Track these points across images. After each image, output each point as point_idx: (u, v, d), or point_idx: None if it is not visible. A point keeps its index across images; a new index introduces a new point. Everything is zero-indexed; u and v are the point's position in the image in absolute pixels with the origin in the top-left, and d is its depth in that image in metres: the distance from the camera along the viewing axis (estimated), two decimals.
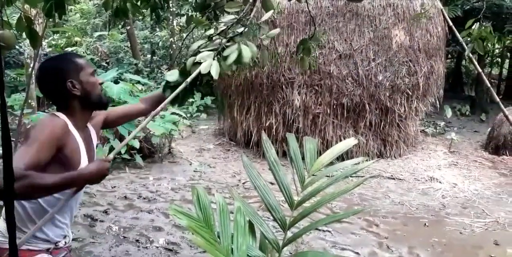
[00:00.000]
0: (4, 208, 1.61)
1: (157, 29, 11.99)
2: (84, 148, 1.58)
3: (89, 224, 3.72)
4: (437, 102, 6.54)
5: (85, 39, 10.87)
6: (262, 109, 6.11)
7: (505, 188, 5.14)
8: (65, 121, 1.52)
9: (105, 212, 4.00)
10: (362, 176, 4.96)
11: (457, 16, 8.18)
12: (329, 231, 3.73)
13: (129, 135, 5.23)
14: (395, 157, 6.23)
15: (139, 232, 3.59)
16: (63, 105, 1.58)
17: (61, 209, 1.52)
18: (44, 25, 4.98)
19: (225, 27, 1.72)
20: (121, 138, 5.13)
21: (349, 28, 5.78)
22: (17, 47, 8.75)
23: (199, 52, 1.69)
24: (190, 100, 8.67)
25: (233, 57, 1.64)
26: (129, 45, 10.87)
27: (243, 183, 5.03)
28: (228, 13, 1.88)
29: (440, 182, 5.28)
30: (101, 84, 1.66)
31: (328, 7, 5.79)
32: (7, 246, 1.51)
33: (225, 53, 1.65)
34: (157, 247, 3.34)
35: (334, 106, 5.85)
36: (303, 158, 1.78)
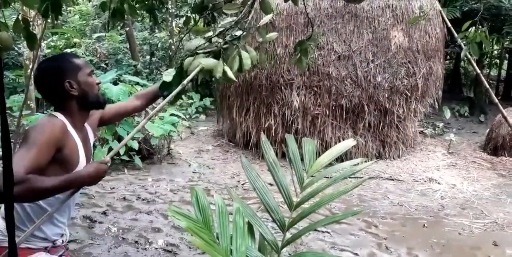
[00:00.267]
0: (2, 208, 1.62)
1: (156, 31, 11.99)
2: (82, 147, 1.59)
3: (88, 225, 3.71)
4: (436, 103, 6.55)
5: (84, 40, 10.87)
6: (261, 110, 6.12)
7: (504, 189, 5.15)
8: (64, 122, 1.53)
9: (104, 213, 3.99)
10: (361, 177, 4.97)
11: (455, 17, 8.21)
12: (328, 232, 3.73)
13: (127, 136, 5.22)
14: (394, 158, 6.23)
15: (138, 233, 3.59)
16: (61, 105, 1.59)
17: (60, 209, 1.54)
18: (43, 26, 4.98)
19: (223, 29, 1.72)
20: (119, 139, 5.12)
21: (348, 29, 5.79)
22: (16, 48, 8.74)
23: (197, 53, 1.69)
24: (189, 101, 8.68)
25: (235, 66, 1.65)
26: (128, 47, 10.87)
27: (242, 184, 5.03)
28: (227, 15, 1.88)
29: (439, 183, 5.29)
30: (98, 84, 1.66)
31: (327, 8, 5.80)
32: (5, 244, 1.53)
33: (227, 62, 1.66)
34: (156, 248, 3.34)
35: (333, 107, 5.85)
36: (302, 159, 1.78)
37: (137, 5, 2.73)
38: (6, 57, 8.92)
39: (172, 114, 5.87)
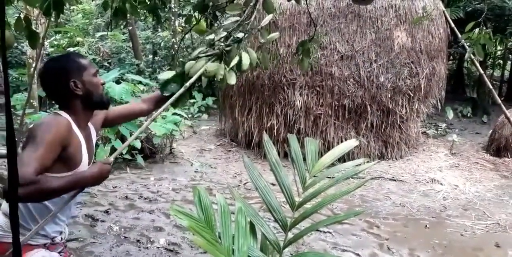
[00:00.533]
0: (4, 204, 1.63)
1: (159, 30, 12.01)
2: (85, 146, 1.61)
3: (90, 224, 3.72)
4: (439, 103, 6.53)
5: (87, 39, 10.90)
6: (263, 110, 6.11)
7: (507, 190, 5.13)
8: (68, 120, 1.55)
9: (106, 212, 4.00)
10: (363, 178, 4.96)
11: (459, 17, 8.18)
12: (330, 232, 3.72)
13: (130, 135, 5.25)
14: (396, 158, 6.22)
15: (140, 232, 3.60)
16: (66, 104, 1.61)
17: (57, 208, 1.55)
18: (46, 25, 4.99)
19: (225, 33, 1.73)
20: (122, 138, 5.14)
21: (351, 29, 5.78)
22: (19, 47, 8.77)
23: (199, 57, 1.72)
24: (192, 100, 8.69)
25: (233, 63, 1.67)
26: (131, 46, 10.89)
27: (244, 183, 5.03)
28: (228, 14, 1.89)
29: (441, 183, 5.28)
30: (103, 84, 1.68)
31: (330, 8, 5.80)
32: (6, 239, 1.56)
33: (229, 62, 1.68)
34: (158, 247, 3.35)
35: (336, 107, 5.85)
36: (304, 159, 1.78)
37: (139, 5, 2.73)
38: (9, 55, 8.95)
39: (174, 113, 5.87)
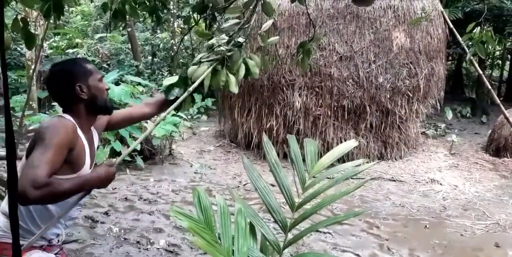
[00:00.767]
0: (3, 204, 1.64)
1: (158, 31, 12.01)
2: (88, 150, 1.63)
3: (90, 225, 3.72)
4: (438, 104, 6.54)
5: (86, 41, 10.89)
6: (262, 111, 6.12)
7: (506, 190, 5.13)
8: (74, 123, 1.58)
9: (106, 213, 4.00)
10: (363, 178, 4.97)
11: (457, 18, 8.19)
12: (329, 233, 3.72)
13: (129, 137, 5.24)
14: (395, 159, 6.23)
15: (140, 233, 3.60)
16: (70, 108, 1.63)
17: (63, 211, 1.57)
18: (45, 26, 5.00)
19: (227, 38, 1.74)
20: (121, 140, 5.14)
21: (350, 30, 5.79)
22: (18, 48, 8.76)
23: (201, 62, 1.72)
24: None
25: (242, 73, 1.70)
26: (130, 47, 10.89)
27: (244, 184, 5.03)
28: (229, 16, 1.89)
29: (440, 184, 5.28)
30: (107, 90, 1.71)
31: (329, 9, 5.80)
32: (5, 240, 1.56)
33: (231, 67, 1.70)
34: (158, 248, 3.34)
35: (335, 108, 5.85)
36: (303, 160, 1.78)
37: (139, 7, 2.74)
38: (9, 57, 8.95)
39: (174, 115, 5.87)
